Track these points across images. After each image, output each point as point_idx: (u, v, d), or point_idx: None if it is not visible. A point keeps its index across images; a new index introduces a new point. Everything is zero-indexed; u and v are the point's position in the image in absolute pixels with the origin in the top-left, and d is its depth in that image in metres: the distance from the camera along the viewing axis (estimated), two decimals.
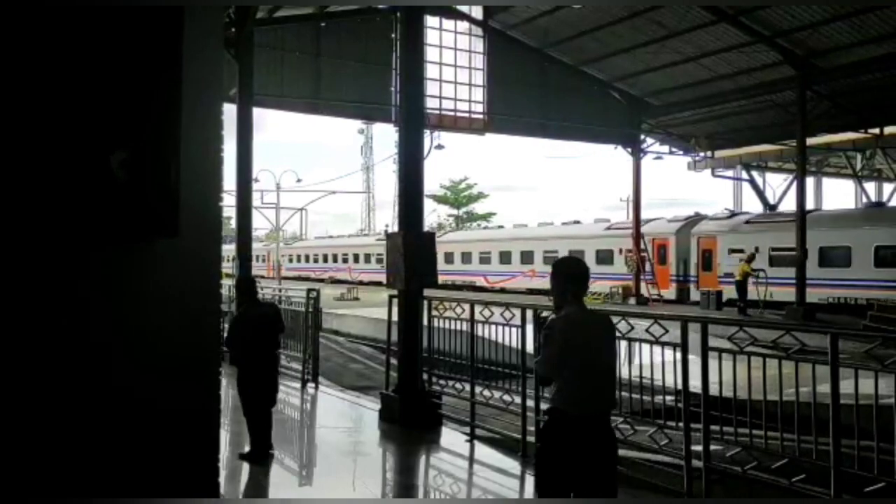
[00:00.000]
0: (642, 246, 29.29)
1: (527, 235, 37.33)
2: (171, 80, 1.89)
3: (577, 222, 38.20)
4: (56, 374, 1.76)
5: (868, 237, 23.02)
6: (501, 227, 46.57)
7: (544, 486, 4.01)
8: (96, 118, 1.79)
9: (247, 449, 7.06)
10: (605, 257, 31.09)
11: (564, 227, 36.89)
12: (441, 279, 34.35)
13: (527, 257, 34.33)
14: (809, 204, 27.18)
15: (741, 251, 25.74)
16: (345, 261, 50.00)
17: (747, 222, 27.71)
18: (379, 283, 41.38)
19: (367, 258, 46.14)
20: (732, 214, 30.37)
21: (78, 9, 1.76)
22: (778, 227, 25.59)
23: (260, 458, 6.95)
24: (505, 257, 35.62)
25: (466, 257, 36.70)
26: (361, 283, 41.24)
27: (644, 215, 30.30)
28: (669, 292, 28.79)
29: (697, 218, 30.39)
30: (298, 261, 56.22)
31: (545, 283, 32.06)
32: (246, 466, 6.85)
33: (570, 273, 3.99)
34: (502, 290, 33.56)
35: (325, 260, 53.35)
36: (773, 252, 25.17)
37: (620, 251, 30.54)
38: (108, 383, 1.84)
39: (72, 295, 1.80)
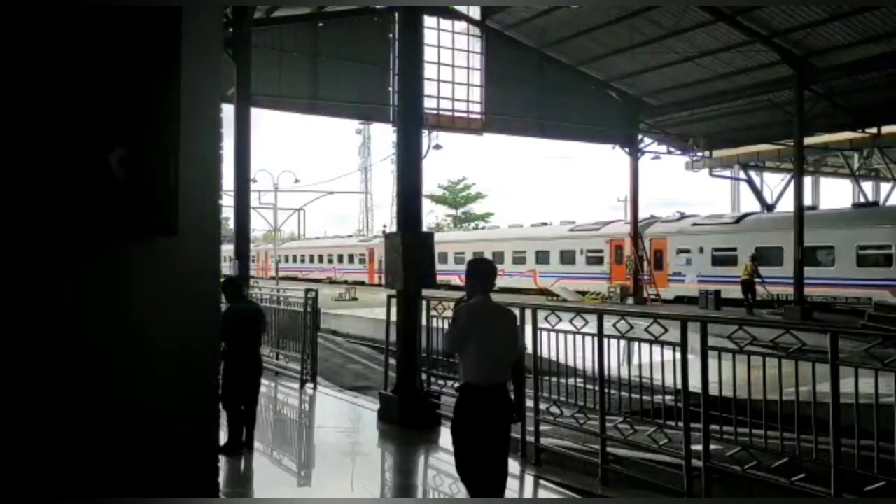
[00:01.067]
0: (611, 247, 31.31)
1: (497, 237, 39.82)
2: (169, 79, 1.88)
3: (545, 224, 39.92)
4: (53, 373, 1.75)
5: (853, 237, 24.06)
6: (480, 228, 50.21)
7: (459, 447, 4.62)
8: (95, 117, 1.79)
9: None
10: (568, 257, 33.62)
11: (532, 229, 38.96)
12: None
13: (497, 257, 36.01)
14: (807, 204, 27.51)
15: (688, 251, 28.38)
16: (329, 261, 52.52)
17: (693, 224, 29.62)
18: (361, 283, 44.26)
19: (351, 258, 49.57)
20: (682, 217, 32.04)
21: (77, 8, 1.75)
22: (719, 229, 27.94)
23: (230, 451, 6.97)
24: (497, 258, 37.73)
25: (442, 257, 38.20)
26: (346, 282, 43.45)
27: (642, 215, 30.40)
28: (571, 287, 31.72)
29: (651, 220, 32.00)
30: (286, 261, 57.49)
31: (513, 282, 32.75)
32: (244, 467, 6.84)
33: (478, 271, 4.82)
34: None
35: (311, 260, 55.42)
36: (715, 252, 27.55)
37: (581, 251, 33.08)
38: (106, 382, 1.82)
39: (70, 293, 1.79)
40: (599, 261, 32.26)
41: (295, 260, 58.28)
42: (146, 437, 1.90)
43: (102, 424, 1.83)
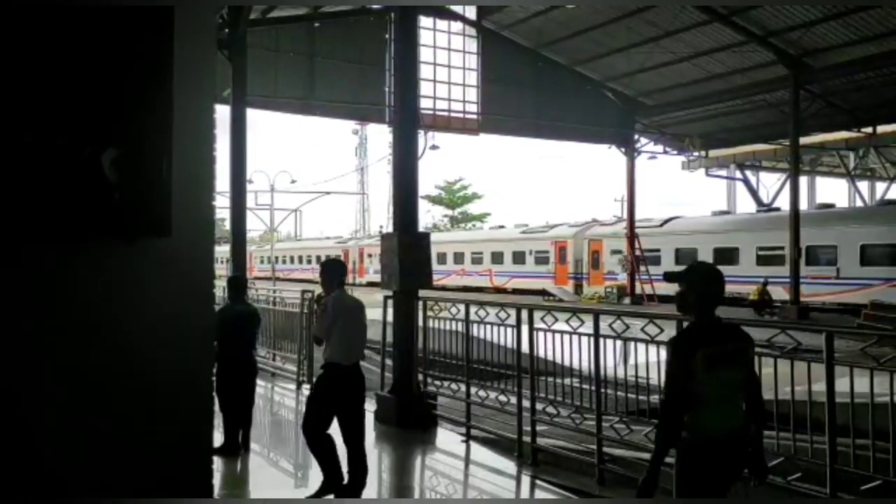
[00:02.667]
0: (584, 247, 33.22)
1: (458, 239, 43.27)
2: (162, 80, 1.87)
3: (502, 227, 42.74)
4: (44, 375, 1.75)
5: (754, 239, 27.28)
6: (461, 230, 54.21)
7: (316, 416, 5.55)
8: (87, 117, 1.78)
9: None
10: (519, 258, 36.21)
11: (489, 232, 42.39)
12: None
13: (458, 258, 39.29)
14: (803, 204, 27.79)
15: (620, 252, 30.82)
16: (308, 262, 55.16)
17: (625, 228, 31.52)
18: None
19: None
20: (618, 220, 34.76)
21: (68, 9, 1.75)
22: (646, 231, 30.52)
23: (226, 452, 6.94)
24: (441, 258, 39.44)
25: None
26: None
27: (639, 215, 30.47)
28: (568, 287, 33.59)
29: (592, 224, 35.46)
30: (268, 262, 58.81)
31: (473, 281, 35.24)
32: (241, 468, 6.82)
33: (332, 269, 5.78)
34: (443, 288, 36.47)
35: (292, 261, 57.45)
36: (643, 252, 30.20)
37: (531, 252, 35.96)
38: (98, 383, 1.82)
39: (62, 294, 1.78)
40: (546, 261, 34.98)
41: (277, 261, 59.29)
42: (140, 438, 1.89)
43: (96, 425, 1.83)
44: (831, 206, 29.22)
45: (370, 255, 47.13)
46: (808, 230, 23.73)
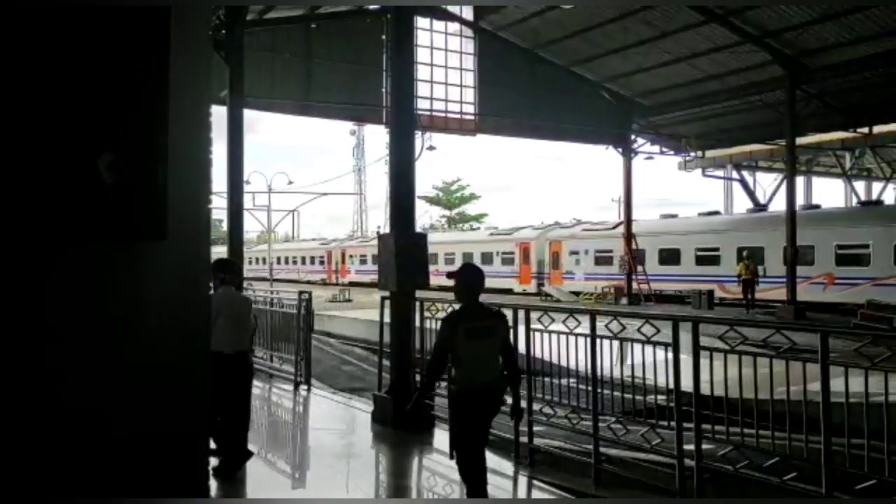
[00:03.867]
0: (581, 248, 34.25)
1: (433, 241, 46.15)
2: (158, 82, 1.88)
3: (474, 229, 47.70)
4: (43, 376, 1.75)
5: (692, 242, 29.50)
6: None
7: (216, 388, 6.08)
8: (83, 120, 1.78)
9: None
10: (487, 258, 38.01)
11: (460, 234, 45.89)
12: (367, 277, 41.80)
13: (433, 259, 41.93)
14: (799, 203, 27.84)
15: (577, 253, 33.78)
16: (294, 262, 58.39)
17: (583, 230, 35.11)
18: (320, 282, 50.38)
19: (312, 260, 56.31)
20: (576, 223, 37.46)
21: (64, 9, 1.75)
22: (600, 234, 33.40)
23: (232, 469, 6.53)
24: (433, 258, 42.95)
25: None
26: (309, 281, 49.51)
27: (635, 215, 30.51)
28: (531, 286, 35.62)
29: (553, 226, 38.10)
30: (256, 263, 60.05)
31: (444, 281, 38.94)
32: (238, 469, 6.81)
33: (220, 267, 6.69)
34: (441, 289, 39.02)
35: (279, 262, 58.61)
36: (597, 254, 32.91)
37: (497, 253, 38.37)
38: (95, 384, 1.83)
39: (58, 298, 1.79)
40: (512, 261, 37.25)
41: (265, 262, 60.76)
42: (137, 439, 1.90)
43: (92, 426, 1.83)
44: (764, 207, 31.88)
45: (351, 257, 50.85)
46: (746, 234, 27.23)
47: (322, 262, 54.82)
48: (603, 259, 32.27)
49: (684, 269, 29.03)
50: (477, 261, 37.91)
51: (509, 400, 5.30)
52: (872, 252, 23.58)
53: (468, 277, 5.23)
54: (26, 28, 1.70)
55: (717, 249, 28.15)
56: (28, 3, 1.71)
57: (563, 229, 36.71)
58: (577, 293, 31.73)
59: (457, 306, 5.35)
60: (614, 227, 32.96)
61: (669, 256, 29.73)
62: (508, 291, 34.67)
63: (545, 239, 36.11)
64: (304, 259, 58.02)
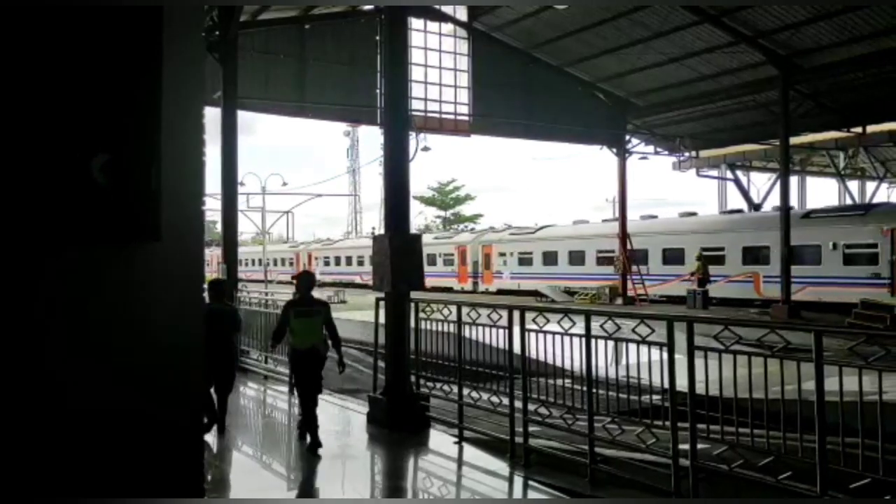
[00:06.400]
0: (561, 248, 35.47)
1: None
2: (150, 83, 1.87)
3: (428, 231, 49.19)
4: (36, 377, 1.75)
5: (592, 245, 32.90)
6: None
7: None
8: (76, 122, 1.78)
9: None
10: (431, 259, 39.35)
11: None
12: (332, 278, 45.75)
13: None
14: (794, 203, 28.08)
15: (504, 254, 37.23)
16: (267, 264, 60.41)
17: (510, 234, 38.63)
18: (291, 282, 50.03)
19: (283, 262, 59.21)
20: (506, 228, 41.07)
21: (55, 9, 1.74)
22: (523, 238, 36.92)
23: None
24: None
25: (349, 260, 50.70)
26: (280, 282, 50.85)
27: (630, 215, 30.59)
28: (468, 285, 39.10)
29: (487, 231, 42.06)
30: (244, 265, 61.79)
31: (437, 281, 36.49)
32: (234, 470, 6.82)
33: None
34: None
35: (252, 264, 60.31)
36: (520, 255, 36.38)
37: (440, 255, 41.08)
38: (88, 386, 1.82)
39: (53, 300, 1.78)
40: (452, 262, 40.39)
41: (242, 263, 62.24)
42: (131, 440, 1.89)
43: (85, 428, 1.83)
44: (693, 213, 33.19)
45: (316, 258, 55.53)
46: (668, 237, 29.91)
47: (291, 264, 58.03)
48: (525, 260, 35.99)
49: (587, 270, 32.73)
50: (424, 262, 40.59)
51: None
52: (727, 254, 27.27)
53: (302, 279, 8.22)
54: (16, 29, 1.69)
55: (612, 251, 30.92)
56: (18, 3, 1.70)
57: (494, 233, 40.40)
58: (572, 293, 31.82)
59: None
60: (534, 232, 37.05)
61: (575, 257, 33.54)
62: (449, 290, 37.65)
63: (479, 242, 39.68)
64: (275, 261, 59.77)
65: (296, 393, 8.30)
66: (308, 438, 7.65)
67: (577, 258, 33.49)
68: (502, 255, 37.53)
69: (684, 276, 27.72)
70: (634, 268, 29.34)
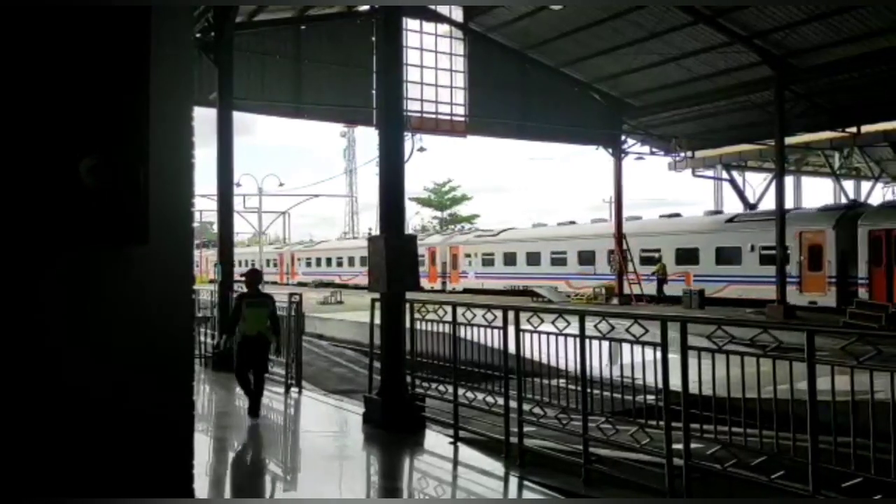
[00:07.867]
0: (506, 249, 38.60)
1: (359, 245, 48.76)
2: (138, 84, 1.87)
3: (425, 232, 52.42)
4: (27, 379, 1.75)
5: (548, 247, 35.98)
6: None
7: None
8: (63, 124, 1.78)
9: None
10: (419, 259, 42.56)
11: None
12: (313, 278, 53.17)
13: (363, 261, 45.32)
14: (789, 203, 28.16)
15: (469, 255, 40.37)
16: (254, 264, 60.23)
17: (475, 236, 42.07)
18: (275, 282, 55.09)
19: (269, 262, 59.94)
20: (472, 230, 45.34)
21: (40, 9, 1.74)
22: (485, 240, 40.38)
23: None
24: (350, 261, 49.55)
25: (328, 261, 53.83)
26: (267, 282, 51.16)
27: (626, 214, 30.62)
28: (437, 284, 41.64)
29: (454, 233, 45.63)
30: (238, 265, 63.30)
31: (362, 281, 40.57)
32: (230, 471, 6.82)
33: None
34: (355, 287, 42.88)
35: (240, 265, 61.06)
36: (483, 256, 39.44)
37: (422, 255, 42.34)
38: (77, 387, 1.82)
39: (41, 303, 1.79)
40: (423, 263, 41.18)
41: (238, 264, 63.88)
42: (122, 441, 1.90)
43: (76, 428, 1.83)
44: (678, 215, 34.45)
45: (299, 260, 57.98)
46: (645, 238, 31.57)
47: (276, 265, 59.94)
48: (488, 260, 39.15)
49: (542, 270, 35.46)
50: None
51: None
52: (663, 255, 30.22)
53: (249, 276, 9.79)
54: (2, 30, 1.69)
55: (563, 252, 34.60)
56: (3, 3, 1.70)
57: (461, 235, 44.07)
58: (568, 294, 31.96)
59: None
60: (496, 235, 40.27)
61: (531, 258, 36.31)
62: (420, 289, 38.49)
63: (447, 244, 42.64)
64: (265, 262, 62.17)
65: (243, 375, 9.30)
66: (253, 411, 9.07)
67: (533, 259, 36.46)
68: (468, 256, 40.53)
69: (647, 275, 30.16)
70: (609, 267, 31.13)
